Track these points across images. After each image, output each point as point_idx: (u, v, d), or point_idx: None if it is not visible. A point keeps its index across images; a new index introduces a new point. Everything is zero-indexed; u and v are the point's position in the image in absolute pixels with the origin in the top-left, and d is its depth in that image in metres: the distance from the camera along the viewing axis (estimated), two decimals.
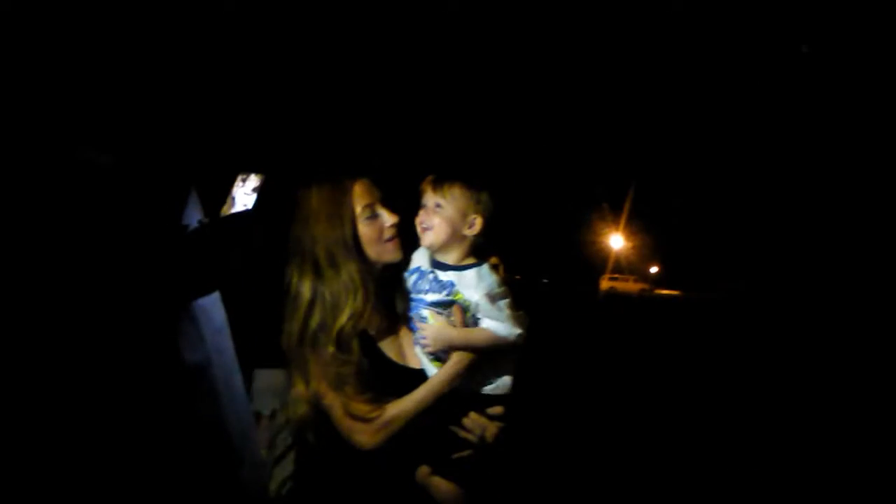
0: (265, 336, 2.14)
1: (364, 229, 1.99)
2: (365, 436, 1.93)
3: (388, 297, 2.06)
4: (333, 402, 1.94)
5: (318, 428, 1.99)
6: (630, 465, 4.33)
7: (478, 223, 1.99)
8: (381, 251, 2.00)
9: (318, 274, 1.98)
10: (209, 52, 1.99)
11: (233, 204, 1.67)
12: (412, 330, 2.03)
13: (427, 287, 1.98)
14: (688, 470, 5.19)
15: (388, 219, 2.00)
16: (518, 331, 1.94)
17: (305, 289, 1.98)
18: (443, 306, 1.96)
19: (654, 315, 21.01)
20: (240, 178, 1.68)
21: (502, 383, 1.99)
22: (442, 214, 1.97)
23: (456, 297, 1.96)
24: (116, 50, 1.61)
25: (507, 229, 2.05)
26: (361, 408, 1.93)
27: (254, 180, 1.65)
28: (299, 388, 1.95)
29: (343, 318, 1.95)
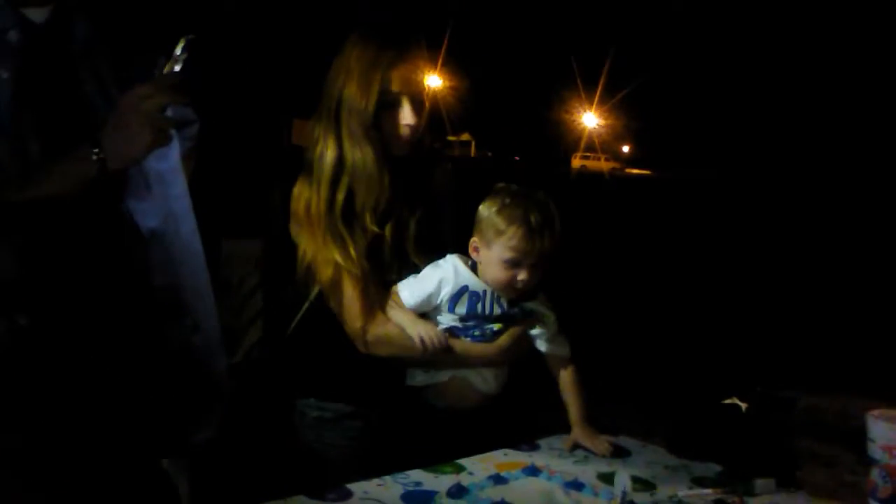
0: (234, 205, 2.12)
1: (384, 112, 1.86)
2: (360, 342, 1.87)
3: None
4: (350, 285, 1.85)
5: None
6: (603, 340, 4.45)
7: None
8: (392, 140, 1.88)
9: (341, 140, 1.86)
10: None
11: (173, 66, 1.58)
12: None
13: (495, 310, 1.88)
14: (661, 343, 5.32)
15: (408, 116, 1.86)
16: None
17: (330, 153, 1.87)
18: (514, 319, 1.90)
19: (624, 194, 21.10)
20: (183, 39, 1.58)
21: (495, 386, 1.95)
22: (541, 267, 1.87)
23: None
24: None
25: (479, 106, 1.98)
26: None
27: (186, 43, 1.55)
28: (332, 255, 1.83)
29: (375, 194, 1.86)
